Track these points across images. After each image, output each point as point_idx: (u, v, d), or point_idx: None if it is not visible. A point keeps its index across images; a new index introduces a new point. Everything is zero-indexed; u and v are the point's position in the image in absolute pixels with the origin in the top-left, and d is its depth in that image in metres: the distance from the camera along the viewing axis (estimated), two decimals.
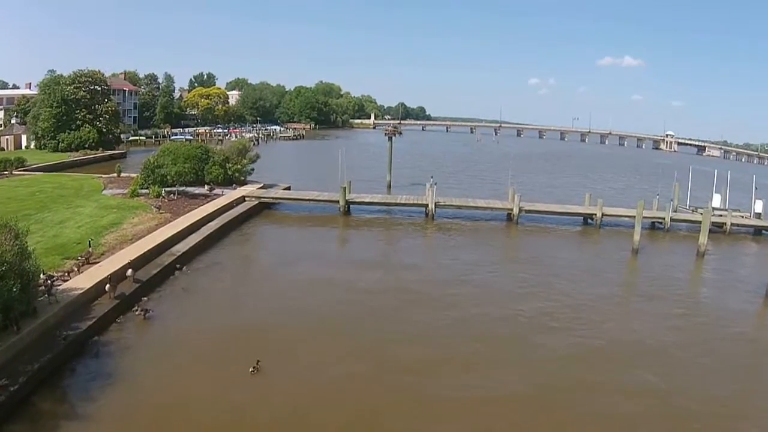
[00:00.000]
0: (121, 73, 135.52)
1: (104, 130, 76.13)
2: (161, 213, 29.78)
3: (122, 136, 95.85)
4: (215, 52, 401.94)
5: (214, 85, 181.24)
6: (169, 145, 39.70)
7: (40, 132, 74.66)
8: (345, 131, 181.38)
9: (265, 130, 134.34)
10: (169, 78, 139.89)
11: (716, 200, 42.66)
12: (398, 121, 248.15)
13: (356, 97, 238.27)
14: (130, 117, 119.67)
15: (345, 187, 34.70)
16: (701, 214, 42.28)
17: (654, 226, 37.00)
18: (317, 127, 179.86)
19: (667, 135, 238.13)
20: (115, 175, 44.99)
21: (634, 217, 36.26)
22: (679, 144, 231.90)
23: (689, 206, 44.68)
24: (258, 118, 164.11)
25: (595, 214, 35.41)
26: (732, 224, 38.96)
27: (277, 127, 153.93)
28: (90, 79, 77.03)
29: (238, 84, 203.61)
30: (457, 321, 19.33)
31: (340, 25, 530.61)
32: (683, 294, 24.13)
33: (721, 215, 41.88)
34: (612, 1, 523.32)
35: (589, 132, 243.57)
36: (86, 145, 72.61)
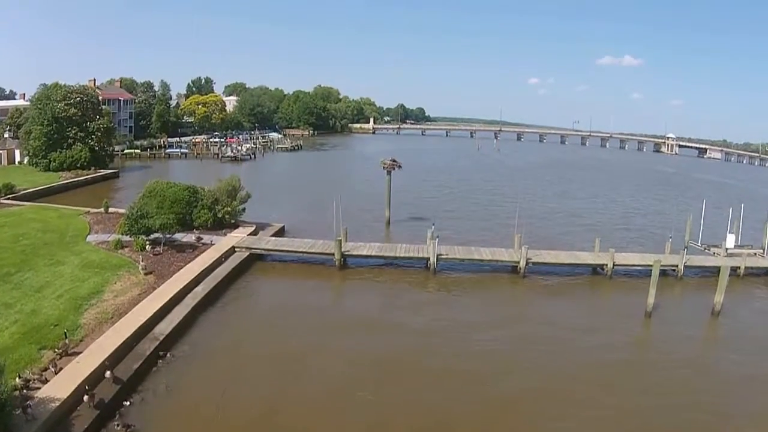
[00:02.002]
0: (118, 81, 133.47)
1: (96, 148, 74.15)
2: (145, 274, 28.03)
3: (117, 147, 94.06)
4: (214, 53, 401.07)
5: (212, 90, 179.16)
6: (154, 185, 37.66)
7: (31, 150, 73.07)
8: (343, 138, 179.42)
9: (263, 138, 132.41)
10: (164, 86, 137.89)
11: (730, 241, 40.96)
12: (398, 125, 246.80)
13: (355, 100, 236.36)
14: (125, 127, 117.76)
15: (340, 240, 32.69)
16: (715, 256, 40.76)
17: (666, 273, 35.25)
18: (315, 133, 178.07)
19: (667, 137, 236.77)
20: (102, 210, 43.10)
21: (648, 265, 34.65)
22: (680, 146, 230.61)
23: (701, 243, 42.98)
24: (256, 125, 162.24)
25: (606, 264, 33.61)
26: (746, 267, 37.42)
27: (276, 135, 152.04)
28: (81, 95, 75.07)
29: (236, 88, 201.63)
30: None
31: (339, 25, 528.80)
32: (698, 390, 21.86)
33: (732, 253, 40.47)
34: (611, 0, 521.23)
35: (590, 135, 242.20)
36: (78, 165, 70.92)
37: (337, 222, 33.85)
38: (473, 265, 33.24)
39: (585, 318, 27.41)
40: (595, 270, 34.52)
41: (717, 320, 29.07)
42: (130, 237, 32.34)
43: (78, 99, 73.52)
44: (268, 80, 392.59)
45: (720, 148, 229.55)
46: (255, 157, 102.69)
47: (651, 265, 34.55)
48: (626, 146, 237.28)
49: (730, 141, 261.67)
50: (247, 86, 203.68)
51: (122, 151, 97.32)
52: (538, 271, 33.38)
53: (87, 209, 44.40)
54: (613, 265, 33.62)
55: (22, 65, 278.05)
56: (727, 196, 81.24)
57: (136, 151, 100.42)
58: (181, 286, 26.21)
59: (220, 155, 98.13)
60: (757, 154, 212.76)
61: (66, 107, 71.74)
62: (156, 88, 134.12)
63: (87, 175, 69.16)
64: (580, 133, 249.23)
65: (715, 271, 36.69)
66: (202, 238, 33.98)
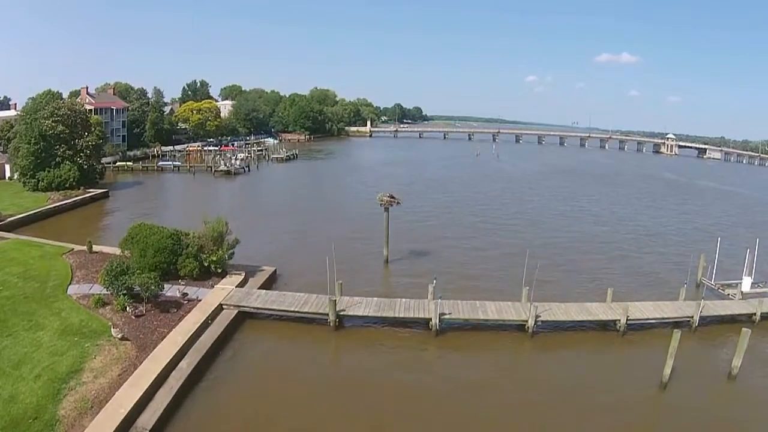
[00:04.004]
0: (111, 87, 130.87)
1: (85, 166, 72.02)
2: (120, 339, 26.25)
3: (109, 159, 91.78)
4: (210, 55, 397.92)
5: (208, 93, 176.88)
6: (138, 228, 35.48)
7: (19, 169, 71.11)
8: (340, 143, 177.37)
9: (258, 146, 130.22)
10: (158, 92, 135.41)
11: (746, 284, 39.24)
12: (395, 128, 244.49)
13: (352, 102, 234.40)
14: (118, 136, 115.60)
15: (335, 300, 30.57)
16: (729, 298, 38.97)
17: (680, 323, 33.50)
18: (312, 137, 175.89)
19: (667, 137, 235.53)
20: (86, 249, 41.08)
21: (663, 318, 33.13)
22: (680, 147, 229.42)
23: (715, 281, 41.22)
24: (251, 130, 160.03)
25: (619, 320, 31.72)
26: (762, 313, 35.76)
27: (272, 140, 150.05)
28: (69, 111, 72.90)
29: (232, 91, 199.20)
30: None
31: (336, 25, 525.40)
32: None
33: (748, 295, 38.94)
34: None
35: (589, 136, 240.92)
36: (67, 185, 68.87)
37: (331, 273, 31.62)
38: (478, 322, 31.18)
39: (593, 397, 25.25)
40: (606, 325, 32.61)
41: (734, 383, 27.37)
42: (110, 292, 30.50)
43: (66, 114, 71.36)
44: (264, 82, 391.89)
45: (719, 148, 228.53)
46: (249, 169, 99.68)
47: (666, 318, 33.11)
48: (626, 147, 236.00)
49: (728, 138, 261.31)
50: (243, 89, 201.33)
51: (114, 162, 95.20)
52: (546, 328, 31.44)
53: (71, 246, 42.35)
54: (627, 320, 31.77)
55: (21, 67, 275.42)
56: (736, 208, 79.57)
57: (128, 163, 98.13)
58: (165, 364, 24.23)
59: (213, 169, 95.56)
60: (757, 154, 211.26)
61: (53, 124, 69.65)
62: (150, 95, 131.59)
63: (76, 195, 67.11)
64: (578, 134, 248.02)
65: (730, 319, 35.21)
66: (187, 294, 31.81)
